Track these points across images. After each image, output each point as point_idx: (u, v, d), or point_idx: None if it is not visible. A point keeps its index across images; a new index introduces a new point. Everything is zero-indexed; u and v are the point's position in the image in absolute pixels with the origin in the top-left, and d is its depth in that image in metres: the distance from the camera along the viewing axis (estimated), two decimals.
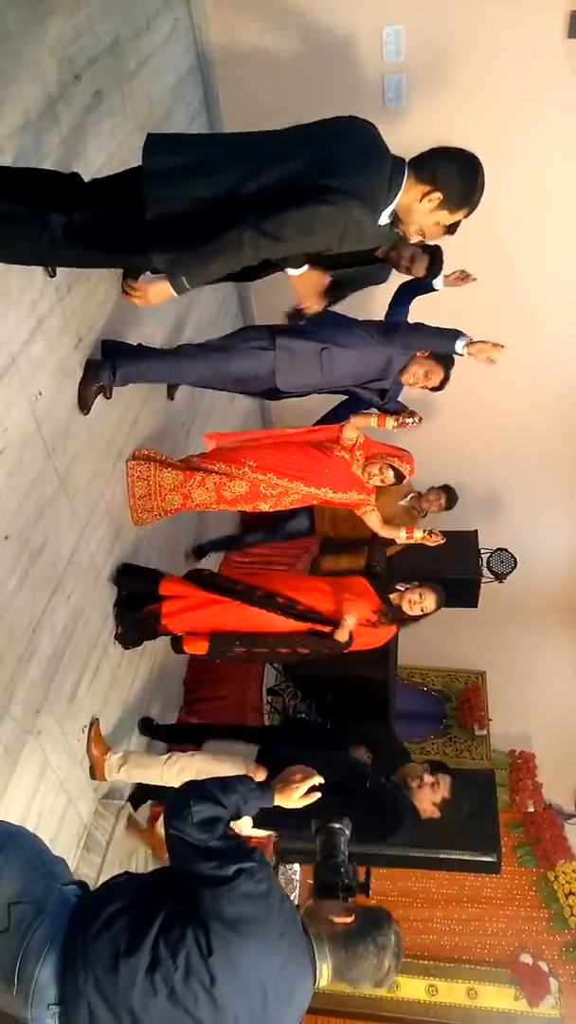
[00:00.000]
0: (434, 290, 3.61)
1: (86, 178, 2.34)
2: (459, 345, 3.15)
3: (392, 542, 3.63)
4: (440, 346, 3.20)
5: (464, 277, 3.54)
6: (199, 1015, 1.46)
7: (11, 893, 1.49)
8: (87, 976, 1.44)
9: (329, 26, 3.98)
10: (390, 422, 3.31)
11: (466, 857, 4.06)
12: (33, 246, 2.14)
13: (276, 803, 1.83)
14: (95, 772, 2.99)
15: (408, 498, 3.89)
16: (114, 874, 1.73)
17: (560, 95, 4.00)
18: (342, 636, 3.19)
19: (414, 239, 3.02)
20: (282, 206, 1.95)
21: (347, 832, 1.95)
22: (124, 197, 2.07)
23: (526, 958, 4.60)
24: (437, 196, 2.08)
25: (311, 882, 1.87)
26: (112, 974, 1.45)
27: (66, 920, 1.50)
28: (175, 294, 2.10)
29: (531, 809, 5.15)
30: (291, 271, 2.39)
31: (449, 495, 4.01)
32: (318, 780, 1.88)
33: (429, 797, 2.86)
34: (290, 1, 3.96)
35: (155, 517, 3.43)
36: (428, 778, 2.88)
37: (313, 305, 2.59)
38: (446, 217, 2.16)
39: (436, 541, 3.40)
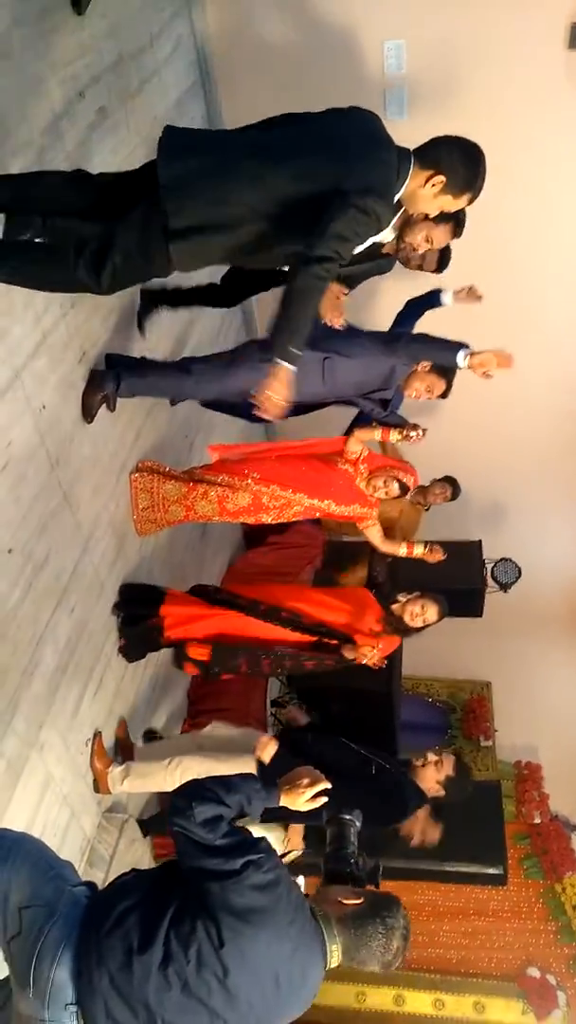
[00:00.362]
0: (441, 305, 3.62)
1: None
2: (460, 357, 3.13)
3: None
4: (442, 357, 3.19)
5: (473, 292, 3.53)
6: (213, 1005, 1.49)
7: (21, 898, 1.51)
8: (102, 974, 1.47)
9: (331, 41, 4.01)
10: (394, 435, 3.31)
11: (472, 869, 4.05)
12: (68, 275, 2.14)
13: (282, 804, 1.84)
14: (99, 786, 2.98)
15: (412, 493, 3.87)
16: (121, 872, 1.74)
17: (561, 106, 4.01)
18: (350, 654, 3.17)
19: (422, 248, 3.03)
20: (318, 225, 1.99)
21: (358, 824, 1.97)
22: (134, 198, 2.08)
23: (533, 971, 4.56)
24: (440, 180, 2.12)
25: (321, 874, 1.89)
26: (126, 970, 1.47)
27: (78, 920, 1.52)
28: (294, 368, 2.12)
29: (537, 820, 5.12)
30: (283, 363, 2.38)
31: (454, 486, 4.00)
32: (325, 785, 1.88)
33: (433, 776, 2.92)
34: (292, 17, 3.99)
35: (158, 528, 3.44)
36: (432, 756, 2.95)
37: (335, 318, 2.60)
38: (450, 202, 2.19)
39: (436, 557, 3.39)
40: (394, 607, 3.28)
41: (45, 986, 1.45)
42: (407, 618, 3.24)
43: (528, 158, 4.17)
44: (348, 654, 3.18)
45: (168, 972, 1.47)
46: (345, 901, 1.65)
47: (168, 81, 3.69)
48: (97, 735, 3.02)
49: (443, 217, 2.76)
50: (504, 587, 5.29)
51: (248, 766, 2.82)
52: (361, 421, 3.64)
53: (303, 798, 1.85)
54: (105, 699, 3.10)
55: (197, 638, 3.34)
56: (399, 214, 2.26)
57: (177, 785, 2.84)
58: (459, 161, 2.13)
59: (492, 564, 5.28)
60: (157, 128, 3.49)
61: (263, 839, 1.61)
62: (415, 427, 3.34)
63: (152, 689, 3.59)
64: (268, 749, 2.79)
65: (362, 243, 2.13)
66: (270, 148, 2.10)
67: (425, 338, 3.32)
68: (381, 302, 4.11)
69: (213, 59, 4.10)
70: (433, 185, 2.13)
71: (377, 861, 1.92)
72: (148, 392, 3.16)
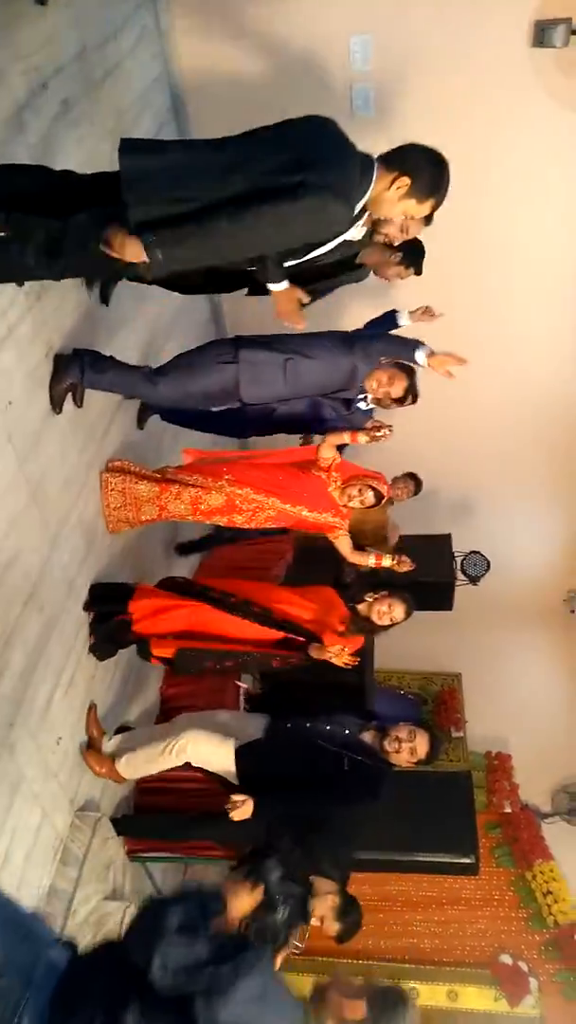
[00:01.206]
0: (399, 326, 3.68)
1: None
2: (419, 355, 3.23)
3: None
4: (401, 354, 3.26)
5: (428, 312, 3.62)
6: None
7: None
8: None
9: (297, 33, 4.01)
10: (362, 437, 3.31)
11: (444, 859, 4.07)
12: (18, 264, 2.15)
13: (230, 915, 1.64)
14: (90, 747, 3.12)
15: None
16: (93, 889, 1.65)
17: (525, 102, 4.06)
18: (317, 653, 3.17)
19: (398, 240, 3.05)
20: (261, 199, 1.99)
21: (277, 867, 1.75)
22: (104, 200, 2.08)
23: (506, 958, 4.61)
24: (406, 181, 2.15)
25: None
26: None
27: (49, 999, 1.42)
28: (146, 260, 2.08)
29: (508, 810, 5.18)
30: (273, 286, 2.41)
31: (416, 481, 4.04)
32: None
33: (407, 758, 2.97)
34: (257, 8, 3.97)
35: (130, 527, 3.41)
36: (406, 742, 2.96)
37: (296, 321, 2.61)
38: (414, 207, 2.22)
39: (405, 567, 3.40)
40: (360, 606, 3.29)
41: None
42: (374, 617, 3.25)
43: (494, 154, 4.21)
44: (315, 653, 3.18)
45: None
46: (348, 1016, 1.52)
47: (133, 72, 3.65)
48: (92, 707, 3.14)
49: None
50: (473, 580, 5.36)
51: (227, 756, 2.90)
52: (328, 428, 3.66)
53: (241, 900, 1.66)
54: (76, 698, 3.07)
55: (164, 632, 3.32)
56: (365, 217, 2.27)
57: (176, 763, 2.97)
58: (424, 164, 2.17)
59: (461, 557, 5.34)
60: (122, 120, 3.50)
61: (249, 946, 1.47)
62: (380, 426, 3.36)
63: (124, 686, 3.57)
64: (243, 810, 2.79)
65: (305, 239, 2.16)
66: (236, 151, 2.10)
67: (385, 337, 3.40)
68: (346, 319, 4.13)
69: (177, 50, 4.07)
70: (399, 188, 2.15)
71: (308, 886, 1.77)
72: (110, 387, 3.13)
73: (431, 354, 3.23)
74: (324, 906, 2.64)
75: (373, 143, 2.78)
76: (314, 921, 2.52)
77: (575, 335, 4.84)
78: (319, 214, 2.05)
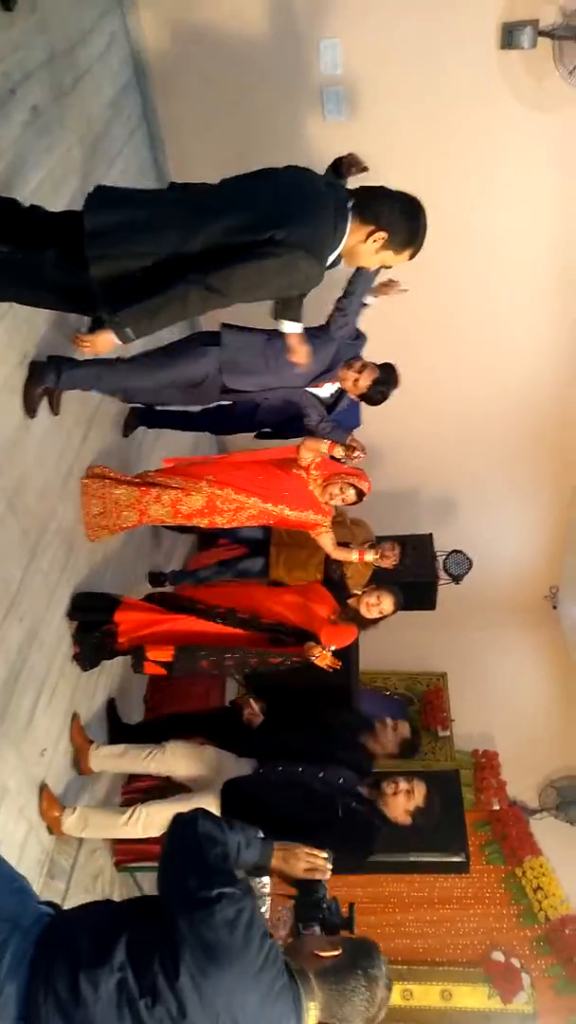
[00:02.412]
0: (365, 305, 3.58)
1: (23, 199, 2.30)
2: (369, 299, 3.40)
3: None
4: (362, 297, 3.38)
5: (393, 284, 3.51)
6: None
7: None
8: (47, 994, 1.39)
9: (267, 38, 4.01)
10: (339, 451, 3.33)
11: (436, 859, 4.09)
12: None
13: (274, 865, 1.72)
14: (79, 763, 3.05)
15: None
16: (81, 900, 1.69)
17: (494, 104, 4.08)
18: (311, 653, 3.14)
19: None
20: (229, 261, 1.97)
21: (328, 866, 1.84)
22: (70, 244, 2.04)
23: (498, 955, 4.63)
24: (382, 236, 2.11)
25: (291, 916, 1.80)
26: (73, 993, 1.39)
27: (36, 938, 1.45)
28: (120, 343, 2.10)
29: (496, 807, 5.20)
30: (288, 327, 2.42)
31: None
32: (325, 855, 1.78)
33: (403, 805, 2.84)
34: (226, 14, 3.98)
35: (110, 533, 3.39)
36: (403, 785, 2.86)
37: (303, 360, 2.62)
38: (391, 258, 2.20)
39: (389, 563, 3.42)
40: (350, 600, 3.30)
41: None
42: (363, 609, 3.27)
43: (465, 157, 4.24)
44: (309, 652, 3.17)
45: (120, 1000, 1.39)
46: (322, 954, 1.55)
47: (103, 78, 3.64)
48: (75, 717, 3.07)
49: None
50: (456, 579, 5.37)
51: (210, 803, 2.78)
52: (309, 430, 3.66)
53: (301, 865, 1.74)
54: (60, 708, 3.04)
55: (152, 642, 3.30)
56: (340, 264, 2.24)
57: (139, 833, 2.86)
58: (400, 215, 2.12)
59: (444, 556, 5.36)
60: (92, 126, 3.49)
61: (245, 879, 1.53)
62: (356, 447, 3.38)
63: (107, 696, 3.54)
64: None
65: (278, 294, 2.17)
66: (203, 204, 2.08)
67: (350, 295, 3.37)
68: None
69: (147, 55, 4.07)
70: (375, 241, 2.12)
71: (351, 905, 1.80)
72: (87, 382, 3.08)
73: (375, 291, 3.37)
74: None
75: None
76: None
77: (557, 333, 4.87)
78: (292, 272, 2.03)
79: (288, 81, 4.10)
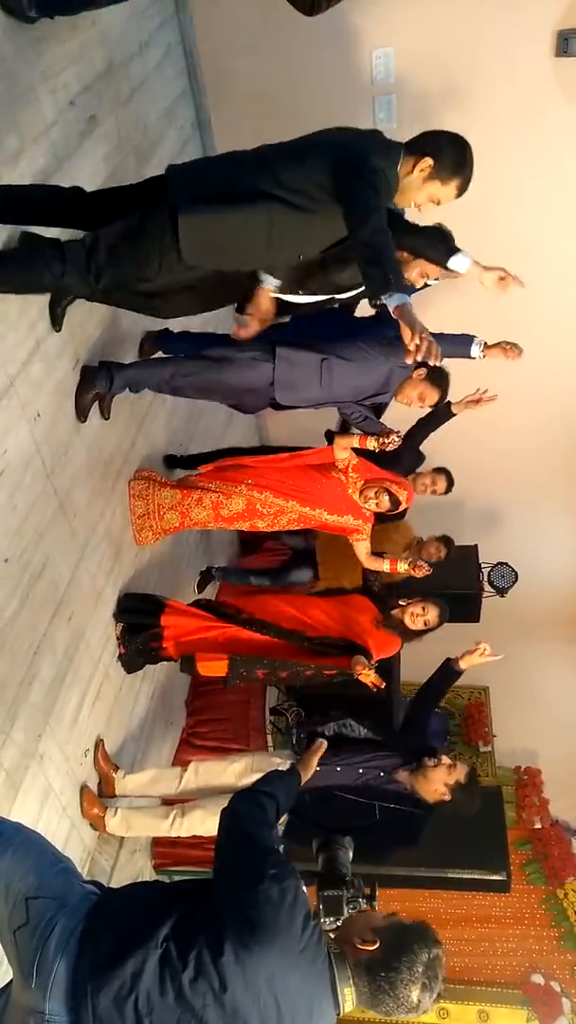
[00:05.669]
0: (470, 356, 3.31)
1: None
2: (475, 350, 3.16)
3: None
4: (453, 352, 3.08)
5: (508, 349, 3.27)
6: (207, 1018, 1.41)
7: (27, 888, 1.47)
8: (93, 971, 1.41)
9: (320, 48, 4.03)
10: (371, 442, 3.23)
11: (476, 876, 4.02)
12: (50, 279, 2.26)
13: (305, 781, 2.11)
14: (104, 788, 2.97)
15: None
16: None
17: (549, 111, 4.04)
18: (357, 670, 3.07)
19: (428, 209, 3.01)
20: (345, 191, 2.09)
21: (348, 848, 1.95)
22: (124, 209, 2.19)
23: (537, 978, 4.52)
24: (428, 163, 2.17)
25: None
26: (119, 970, 1.41)
27: (86, 914, 1.48)
28: (274, 286, 2.42)
29: (538, 825, 5.08)
30: (269, 282, 2.46)
31: (447, 476, 3.90)
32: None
33: (443, 777, 2.77)
34: (280, 24, 4.00)
35: (155, 536, 3.42)
36: (446, 760, 2.83)
37: (252, 325, 2.63)
38: (438, 189, 2.22)
39: (421, 573, 3.35)
40: (395, 611, 3.26)
41: (48, 978, 1.40)
42: (408, 620, 3.23)
43: (518, 164, 4.19)
44: (354, 667, 3.09)
45: (163, 975, 1.41)
46: (360, 946, 1.53)
47: (158, 89, 3.69)
48: (99, 743, 2.99)
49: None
50: (501, 592, 5.28)
51: None
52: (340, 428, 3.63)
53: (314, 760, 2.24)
54: (103, 709, 3.07)
55: (197, 649, 3.29)
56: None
57: (184, 835, 2.92)
58: (447, 146, 2.19)
59: (488, 568, 5.27)
60: (148, 135, 3.54)
61: (292, 866, 1.56)
62: (389, 433, 3.26)
63: (150, 699, 3.57)
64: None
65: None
66: (275, 152, 2.24)
67: (436, 338, 3.26)
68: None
69: (202, 67, 4.12)
70: (422, 170, 2.17)
71: (374, 882, 1.83)
72: (140, 384, 3.09)
73: (487, 346, 3.17)
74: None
75: None
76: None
77: None
78: (375, 175, 2.10)
79: (340, 90, 4.11)
